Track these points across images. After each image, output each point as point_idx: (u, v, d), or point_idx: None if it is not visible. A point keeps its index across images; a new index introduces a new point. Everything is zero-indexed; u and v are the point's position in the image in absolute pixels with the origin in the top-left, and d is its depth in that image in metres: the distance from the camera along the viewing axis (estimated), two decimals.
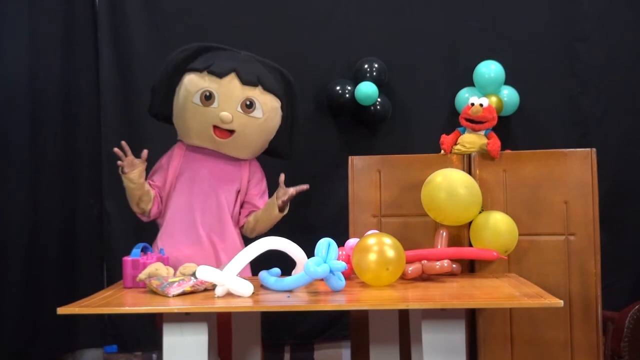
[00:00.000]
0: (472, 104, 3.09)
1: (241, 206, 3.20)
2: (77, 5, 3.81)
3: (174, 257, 2.92)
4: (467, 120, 3.10)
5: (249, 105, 3.03)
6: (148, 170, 3.13)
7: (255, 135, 3.11)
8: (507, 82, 3.79)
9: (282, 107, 3.16)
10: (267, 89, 3.08)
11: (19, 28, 3.48)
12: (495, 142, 3.04)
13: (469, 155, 3.10)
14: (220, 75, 3.01)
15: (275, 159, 3.33)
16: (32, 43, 3.54)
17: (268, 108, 3.09)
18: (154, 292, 2.48)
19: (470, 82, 3.81)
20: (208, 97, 3.01)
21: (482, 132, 3.10)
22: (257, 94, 3.05)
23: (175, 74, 3.10)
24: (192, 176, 3.11)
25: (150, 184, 3.11)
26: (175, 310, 2.28)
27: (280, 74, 3.19)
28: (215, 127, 3.04)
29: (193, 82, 3.05)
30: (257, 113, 3.06)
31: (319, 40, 3.89)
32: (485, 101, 3.09)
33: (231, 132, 3.05)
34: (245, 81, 3.02)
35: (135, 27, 3.82)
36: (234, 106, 3.02)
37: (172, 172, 3.13)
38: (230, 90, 3.01)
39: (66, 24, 3.75)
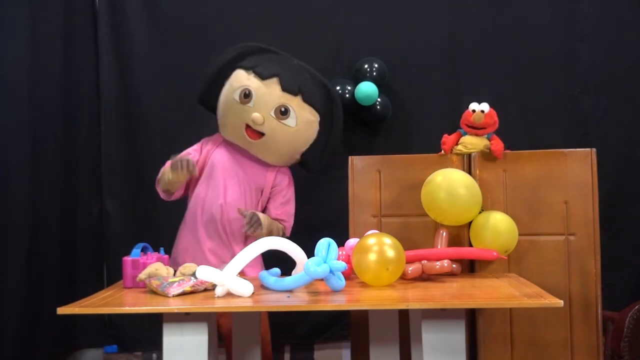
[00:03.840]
0: (473, 111, 3.08)
1: (263, 210, 3.21)
2: (77, 5, 3.80)
3: (192, 249, 3.02)
4: (469, 126, 3.10)
5: (283, 112, 3.05)
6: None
7: (285, 143, 3.12)
8: (507, 81, 3.80)
9: (319, 122, 3.16)
10: (307, 100, 3.10)
11: (19, 28, 3.47)
12: (499, 143, 3.05)
13: (469, 156, 3.10)
14: (263, 76, 3.06)
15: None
16: (32, 43, 3.53)
17: (303, 119, 3.10)
18: (154, 292, 2.48)
19: (470, 82, 3.81)
20: (247, 95, 3.05)
21: (484, 135, 3.10)
22: (295, 103, 3.07)
23: (227, 68, 3.15)
24: (221, 168, 3.13)
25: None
26: (175, 310, 2.28)
27: (326, 90, 3.21)
28: (247, 126, 3.06)
29: (238, 79, 3.10)
30: (291, 122, 3.08)
31: (319, 40, 3.88)
32: (486, 107, 3.08)
33: (261, 134, 3.07)
34: (286, 88, 3.05)
35: (135, 27, 3.81)
36: (268, 109, 3.04)
37: (205, 154, 3.17)
38: (269, 93, 3.04)
39: (66, 24, 3.75)
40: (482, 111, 3.07)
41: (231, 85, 3.12)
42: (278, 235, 3.12)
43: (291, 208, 3.24)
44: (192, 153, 3.17)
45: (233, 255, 2.97)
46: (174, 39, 3.78)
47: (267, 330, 3.23)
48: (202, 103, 3.30)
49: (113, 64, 3.81)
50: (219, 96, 3.19)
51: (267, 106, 3.05)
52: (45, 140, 3.61)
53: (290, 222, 3.24)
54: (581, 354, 2.93)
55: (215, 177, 3.13)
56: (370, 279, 2.57)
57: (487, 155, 3.07)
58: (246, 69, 3.11)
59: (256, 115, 3.03)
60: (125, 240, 3.63)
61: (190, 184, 3.19)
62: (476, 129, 3.09)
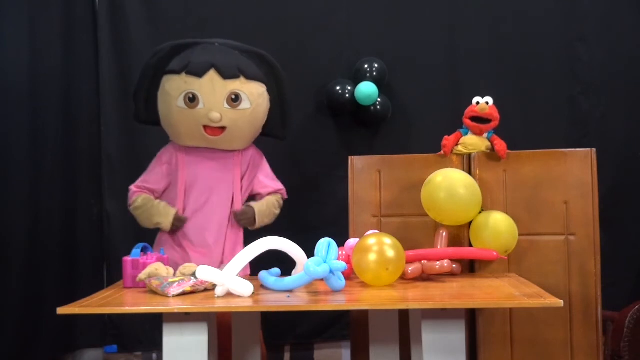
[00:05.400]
0: (478, 103, 3.08)
1: (254, 196, 3.22)
2: (77, 5, 3.81)
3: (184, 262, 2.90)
4: (473, 119, 3.09)
5: (235, 99, 3.01)
6: (141, 171, 3.16)
7: (246, 126, 3.10)
8: (507, 81, 3.79)
9: (268, 90, 3.14)
10: (250, 77, 3.05)
11: (19, 28, 3.48)
12: (502, 143, 3.04)
13: (469, 155, 3.09)
14: (200, 74, 2.97)
15: (274, 157, 3.34)
16: (32, 43, 3.54)
17: (254, 96, 3.06)
18: (154, 292, 2.48)
19: (470, 82, 3.81)
20: (192, 99, 2.98)
21: (485, 135, 3.10)
22: (241, 85, 3.02)
23: (153, 78, 3.07)
24: (192, 182, 3.10)
25: (143, 189, 3.12)
26: (175, 310, 2.27)
27: (259, 57, 3.14)
28: (205, 126, 3.02)
29: (173, 86, 3.01)
30: (245, 104, 3.04)
31: (319, 40, 3.89)
32: (490, 100, 3.08)
33: (222, 128, 3.03)
34: (227, 75, 2.99)
35: (135, 27, 3.82)
36: (220, 103, 2.99)
37: (182, 180, 3.10)
38: (213, 88, 2.98)
39: (66, 24, 3.76)
40: (487, 103, 3.07)
41: (169, 95, 3.02)
42: (279, 205, 3.23)
43: (273, 175, 3.26)
44: (152, 182, 3.12)
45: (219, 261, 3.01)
46: (174, 39, 3.76)
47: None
48: (141, 122, 3.23)
49: (113, 63, 3.82)
50: (155, 109, 3.11)
51: (217, 101, 2.99)
52: (45, 140, 3.62)
53: (282, 187, 3.26)
54: (581, 354, 2.93)
55: (191, 192, 3.10)
56: (370, 279, 2.57)
57: (487, 155, 3.06)
58: (176, 72, 3.01)
59: (214, 115, 2.97)
60: (125, 240, 3.64)
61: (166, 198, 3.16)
62: (481, 121, 3.07)
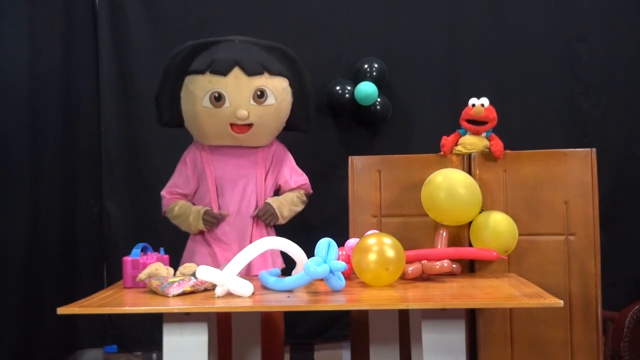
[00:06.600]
0: (473, 105, 3.08)
1: (278, 191, 3.23)
2: (77, 5, 3.81)
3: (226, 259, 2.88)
4: (469, 121, 3.09)
5: (260, 95, 3.02)
6: (167, 176, 3.16)
7: (272, 121, 3.11)
8: (507, 82, 3.79)
9: (290, 84, 3.15)
10: (273, 72, 3.06)
11: (19, 28, 3.48)
12: (498, 143, 3.04)
13: (469, 155, 3.09)
14: (224, 72, 2.98)
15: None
16: (32, 43, 3.54)
17: (279, 91, 3.08)
18: (154, 292, 2.48)
19: (470, 82, 3.81)
20: (218, 98, 2.99)
21: (483, 135, 3.10)
22: (265, 81, 3.03)
23: (176, 79, 3.07)
24: (221, 181, 3.10)
25: (175, 194, 3.13)
26: (175, 310, 2.27)
27: (280, 52, 3.15)
28: (232, 124, 3.03)
29: (198, 85, 3.01)
30: (270, 100, 3.05)
31: (319, 40, 3.89)
32: (485, 101, 3.08)
33: (249, 125, 3.04)
34: (251, 72, 3.00)
35: (135, 27, 3.82)
36: (246, 100, 3.01)
37: (211, 180, 3.10)
38: (238, 85, 2.99)
39: (66, 24, 3.76)
40: (482, 105, 3.07)
41: (193, 95, 3.02)
42: (300, 202, 3.22)
43: (298, 169, 3.26)
44: (181, 185, 3.13)
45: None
46: (174, 39, 3.76)
47: (282, 332, 3.22)
48: (165, 125, 3.22)
49: (113, 63, 3.82)
50: (178, 110, 3.11)
51: (243, 98, 3.00)
52: (45, 140, 3.62)
53: (307, 181, 3.27)
54: (581, 354, 2.93)
55: (223, 191, 3.10)
56: (370, 279, 2.57)
57: (487, 155, 3.06)
58: (200, 72, 3.01)
59: (241, 112, 2.98)
60: (125, 240, 3.64)
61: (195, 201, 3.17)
62: (477, 123, 3.08)
